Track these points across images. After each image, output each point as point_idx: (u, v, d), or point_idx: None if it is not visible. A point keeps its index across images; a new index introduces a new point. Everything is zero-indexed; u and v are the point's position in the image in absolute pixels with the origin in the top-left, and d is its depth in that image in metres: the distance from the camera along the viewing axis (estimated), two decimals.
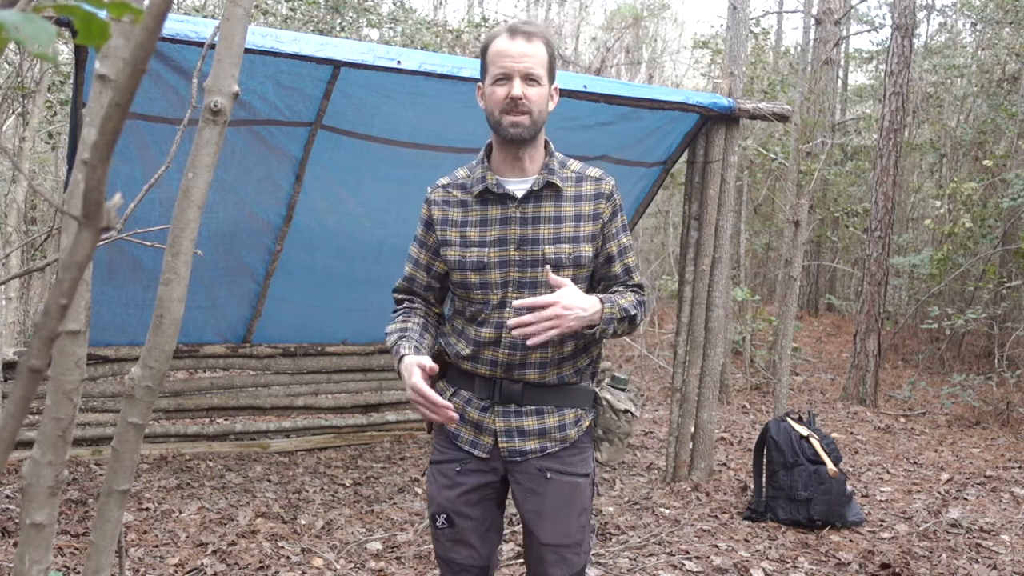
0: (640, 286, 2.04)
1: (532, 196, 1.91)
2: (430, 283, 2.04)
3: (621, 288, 2.01)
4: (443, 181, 2.01)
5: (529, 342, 1.81)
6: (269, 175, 4.20)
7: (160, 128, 3.72)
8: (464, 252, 1.93)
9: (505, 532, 3.60)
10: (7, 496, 3.70)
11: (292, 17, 8.51)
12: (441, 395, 1.98)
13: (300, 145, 4.10)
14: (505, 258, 1.91)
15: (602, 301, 1.88)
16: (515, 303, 1.83)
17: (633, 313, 1.95)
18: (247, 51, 3.03)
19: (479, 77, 1.97)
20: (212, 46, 1.23)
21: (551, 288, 1.86)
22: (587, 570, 2.85)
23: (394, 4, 10.08)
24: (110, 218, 0.55)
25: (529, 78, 1.85)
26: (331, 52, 3.40)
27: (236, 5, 1.16)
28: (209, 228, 4.24)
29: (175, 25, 3.12)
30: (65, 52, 7.45)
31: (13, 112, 7.28)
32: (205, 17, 7.31)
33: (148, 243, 1.36)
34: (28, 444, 4.04)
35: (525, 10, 15.80)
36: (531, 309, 1.79)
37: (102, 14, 0.57)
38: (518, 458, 1.95)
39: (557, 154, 1.98)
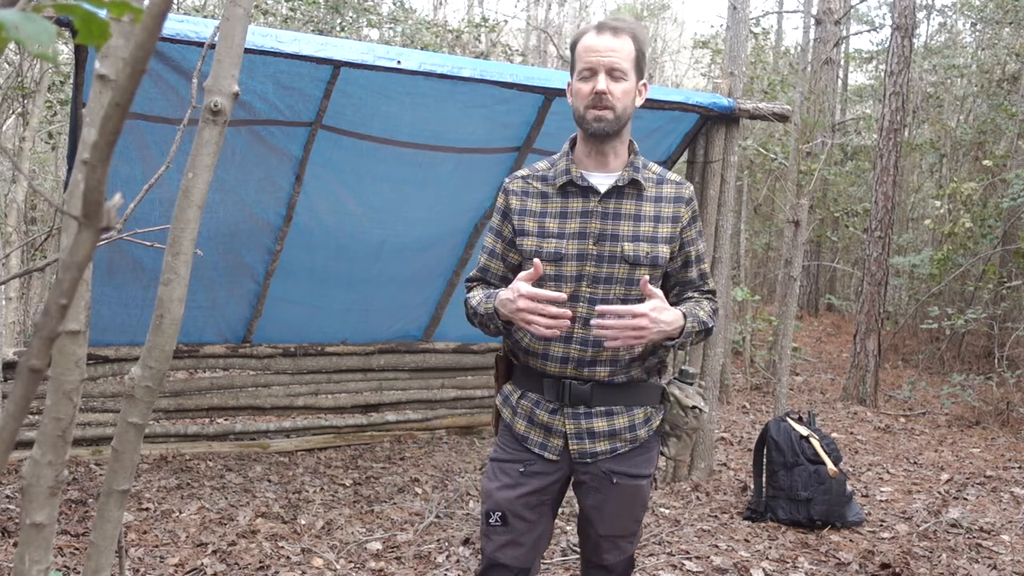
0: (714, 292, 2.06)
1: (615, 192, 1.91)
2: (505, 274, 2.03)
3: (697, 295, 2.02)
4: (523, 172, 2.02)
5: (607, 344, 1.81)
6: (269, 175, 4.19)
7: (160, 128, 3.71)
8: (541, 242, 1.93)
9: None
10: (7, 496, 3.71)
11: (292, 17, 8.51)
12: (508, 398, 2.01)
13: (300, 145, 4.10)
14: (583, 251, 1.90)
15: (685, 316, 1.89)
16: (600, 308, 1.82)
17: (711, 325, 1.98)
18: (247, 51, 3.03)
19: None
20: (212, 46, 1.23)
21: (626, 286, 1.89)
22: None
23: (394, 4, 10.07)
24: (110, 218, 0.54)
25: (614, 73, 1.85)
26: (331, 52, 3.40)
27: (236, 5, 1.16)
28: (209, 228, 4.23)
29: (175, 25, 3.12)
30: (65, 52, 7.46)
31: (13, 112, 7.28)
32: (205, 17, 7.32)
33: (148, 243, 1.36)
34: (28, 444, 4.04)
35: (525, 10, 15.79)
36: (620, 316, 1.80)
37: (102, 14, 0.57)
38: (588, 459, 1.95)
39: (640, 156, 1.98)
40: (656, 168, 1.99)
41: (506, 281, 2.02)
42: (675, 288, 2.03)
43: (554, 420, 1.95)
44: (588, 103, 1.85)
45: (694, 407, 1.99)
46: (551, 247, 1.91)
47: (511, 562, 1.98)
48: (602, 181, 1.92)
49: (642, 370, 1.97)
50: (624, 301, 1.91)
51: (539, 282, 1.92)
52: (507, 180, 2.01)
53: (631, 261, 1.89)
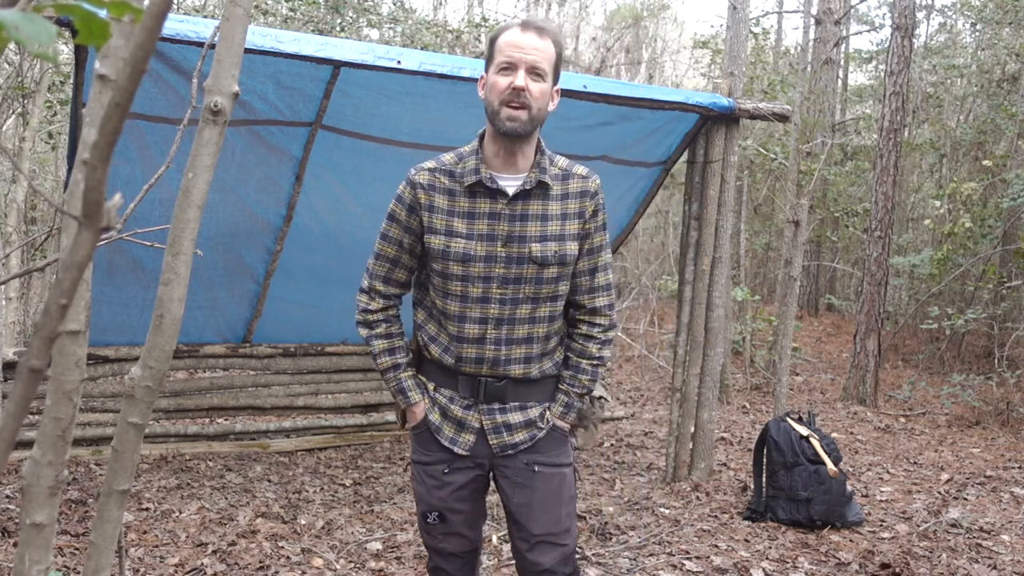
0: (598, 312, 2.02)
1: (522, 194, 1.91)
2: (411, 266, 2.03)
3: (579, 340, 2.02)
4: (429, 164, 1.97)
5: None
6: (269, 175, 4.19)
7: (160, 128, 3.71)
8: (449, 241, 1.91)
9: (501, 531, 3.59)
10: (7, 496, 3.70)
11: (292, 17, 8.51)
12: (423, 389, 2.03)
13: (300, 145, 4.10)
14: (491, 253, 1.90)
15: (565, 411, 2.00)
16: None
17: (595, 379, 2.03)
18: (247, 51, 3.03)
19: (483, 70, 1.94)
20: (212, 46, 1.23)
21: (536, 285, 1.91)
22: (587, 570, 2.87)
23: (394, 4, 10.07)
24: (110, 218, 0.54)
25: (534, 72, 1.83)
26: (331, 52, 3.40)
27: (236, 5, 1.16)
28: (209, 228, 4.23)
29: (175, 25, 3.12)
30: (65, 52, 7.45)
31: (13, 112, 7.28)
32: (205, 17, 7.31)
33: (148, 243, 1.36)
34: (28, 444, 4.04)
35: (525, 10, 15.80)
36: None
37: (102, 14, 0.57)
38: (510, 451, 1.98)
39: (547, 151, 1.97)
40: (562, 163, 1.97)
41: (412, 272, 2.04)
42: (572, 280, 2.01)
43: (468, 416, 1.98)
44: (504, 98, 1.82)
45: (600, 397, 2.09)
46: (459, 247, 1.90)
47: (457, 549, 2.06)
48: (510, 183, 1.90)
49: (552, 364, 2.02)
50: (534, 300, 1.93)
51: (443, 283, 1.93)
52: (412, 172, 1.97)
53: (539, 262, 1.90)
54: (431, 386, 2.03)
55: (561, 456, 2.03)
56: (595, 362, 2.01)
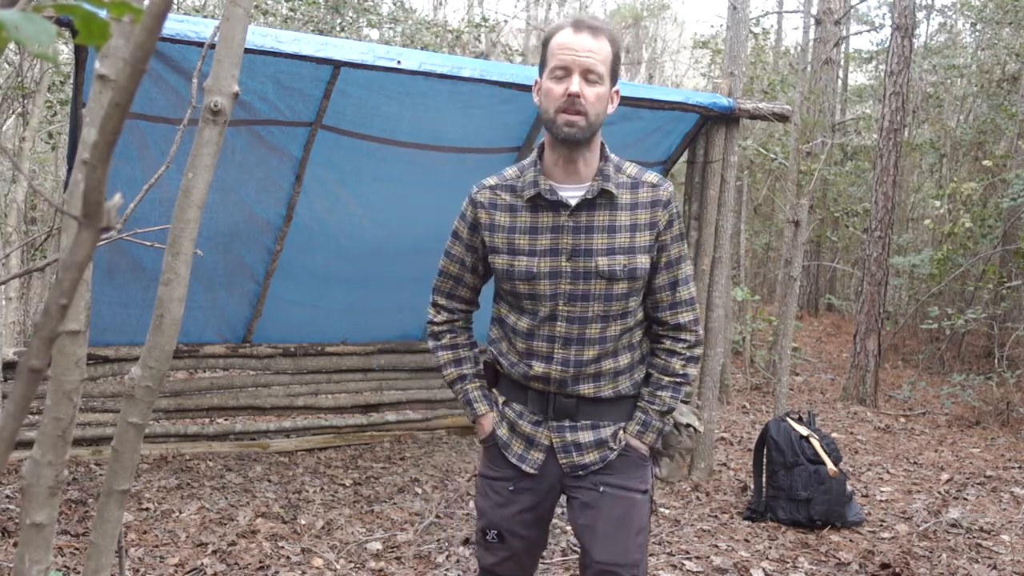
0: (682, 328, 1.90)
1: (586, 204, 1.80)
2: (475, 284, 1.98)
3: (662, 355, 1.89)
4: (490, 181, 1.90)
5: None
6: (269, 175, 4.19)
7: (160, 128, 3.71)
8: (512, 261, 1.83)
9: None
10: (7, 496, 3.70)
11: (292, 17, 8.51)
12: (491, 401, 1.97)
13: (300, 145, 4.10)
14: (556, 269, 1.80)
15: (642, 429, 1.86)
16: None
17: (676, 398, 1.88)
18: (247, 51, 3.03)
19: (537, 75, 1.83)
20: (212, 46, 1.23)
21: (605, 302, 1.81)
22: None
23: (394, 4, 10.07)
24: (110, 218, 0.54)
25: (589, 75, 1.73)
26: (331, 52, 3.40)
27: (236, 5, 1.16)
28: (209, 228, 4.23)
29: (175, 25, 3.12)
30: (65, 52, 7.45)
31: (13, 112, 7.28)
32: (205, 17, 7.31)
33: (148, 243, 1.36)
34: (28, 444, 4.04)
35: (525, 10, 15.80)
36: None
37: (102, 14, 0.57)
38: (580, 472, 1.87)
39: (613, 157, 1.86)
40: (632, 170, 1.85)
41: (476, 292, 2.00)
42: (647, 299, 1.89)
43: (537, 432, 1.88)
44: (560, 106, 1.73)
45: (688, 425, 1.93)
46: (523, 266, 1.82)
47: (508, 574, 1.96)
48: (572, 193, 1.80)
49: (631, 384, 1.89)
50: (604, 318, 1.82)
51: (515, 300, 1.87)
52: (474, 190, 1.90)
53: (607, 276, 1.79)
54: (501, 400, 1.95)
55: (634, 480, 1.88)
56: (678, 379, 1.88)
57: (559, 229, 1.80)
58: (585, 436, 1.87)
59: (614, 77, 1.80)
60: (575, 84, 1.72)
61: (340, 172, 4.31)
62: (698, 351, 1.91)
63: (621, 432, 1.88)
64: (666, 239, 1.85)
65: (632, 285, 1.82)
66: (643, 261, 1.81)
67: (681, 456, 1.99)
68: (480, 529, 1.96)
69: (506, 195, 1.86)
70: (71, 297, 0.53)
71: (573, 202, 1.80)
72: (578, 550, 2.20)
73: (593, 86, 1.74)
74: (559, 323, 1.82)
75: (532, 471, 1.88)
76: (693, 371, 1.91)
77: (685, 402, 2.03)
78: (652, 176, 1.86)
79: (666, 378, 1.88)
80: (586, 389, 1.85)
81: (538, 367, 1.85)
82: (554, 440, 1.87)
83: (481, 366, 2.00)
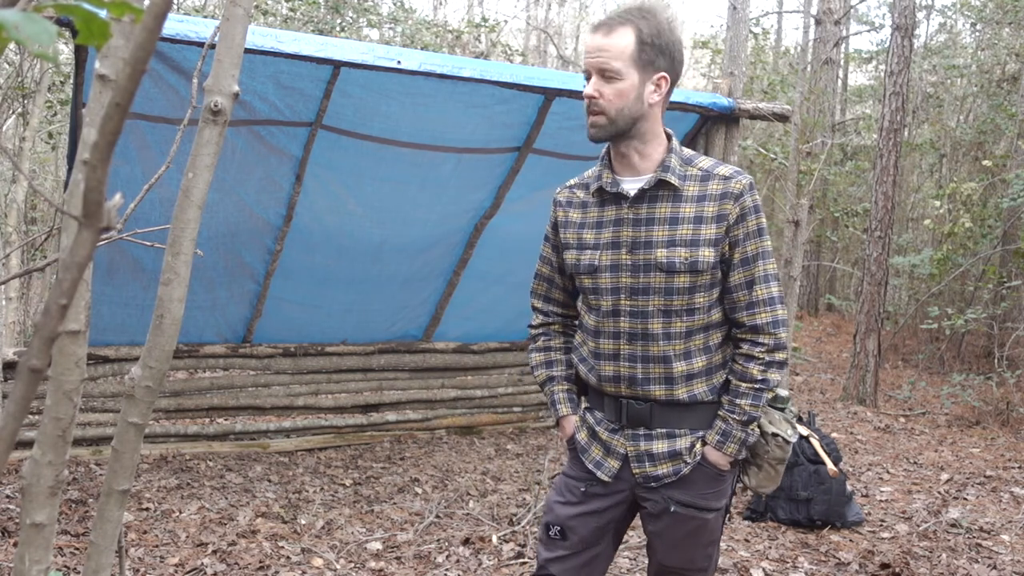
0: (759, 330, 1.81)
1: (645, 196, 1.78)
2: (566, 286, 1.99)
3: (740, 360, 1.81)
4: (571, 181, 1.94)
5: None
6: (269, 175, 4.19)
7: (160, 128, 3.72)
8: (579, 255, 1.85)
9: (502, 531, 3.60)
10: (7, 496, 3.71)
11: (292, 17, 8.51)
12: (575, 404, 2.00)
13: (300, 145, 4.10)
14: (617, 262, 1.80)
15: (722, 439, 1.80)
16: None
17: (757, 405, 1.80)
18: (247, 51, 3.03)
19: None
20: (212, 46, 1.23)
21: (665, 296, 1.77)
22: None
23: (394, 4, 10.07)
24: (110, 218, 0.55)
25: (605, 74, 1.73)
26: (331, 52, 3.40)
27: (236, 5, 1.16)
28: (209, 228, 4.23)
29: (175, 25, 3.12)
30: (65, 52, 7.45)
31: (13, 112, 7.28)
32: (205, 17, 7.32)
33: (148, 243, 1.36)
34: (28, 444, 4.04)
35: (525, 10, 15.80)
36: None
37: (103, 14, 0.57)
38: (652, 483, 1.84)
39: (684, 150, 1.83)
40: (705, 163, 1.81)
41: (569, 292, 2.00)
42: (724, 298, 1.83)
43: (614, 440, 1.86)
44: (585, 107, 1.78)
45: (775, 434, 1.85)
46: (586, 259, 1.83)
47: (560, 574, 1.92)
48: (632, 185, 1.80)
49: (708, 388, 1.82)
50: (666, 313, 1.78)
51: (584, 298, 1.89)
52: (557, 190, 1.95)
53: (666, 269, 1.75)
54: (584, 406, 1.96)
55: (708, 498, 1.83)
56: (757, 386, 1.79)
57: (620, 222, 1.80)
58: (659, 446, 1.83)
59: (645, 64, 1.74)
60: (589, 87, 1.75)
61: (340, 172, 4.31)
62: (780, 355, 1.81)
63: (698, 445, 1.83)
64: (738, 234, 1.77)
65: (695, 279, 1.76)
66: (706, 254, 1.75)
67: (770, 466, 1.91)
68: (544, 524, 1.95)
69: (580, 192, 1.90)
70: (71, 297, 0.53)
71: (632, 193, 1.79)
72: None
73: (611, 83, 1.73)
74: (622, 318, 1.81)
75: (607, 479, 1.87)
76: (775, 377, 1.82)
77: (780, 410, 1.96)
78: (726, 169, 1.81)
79: (744, 384, 1.80)
80: (658, 391, 1.82)
81: (607, 367, 1.84)
82: (629, 449, 1.85)
83: (573, 370, 2.00)
